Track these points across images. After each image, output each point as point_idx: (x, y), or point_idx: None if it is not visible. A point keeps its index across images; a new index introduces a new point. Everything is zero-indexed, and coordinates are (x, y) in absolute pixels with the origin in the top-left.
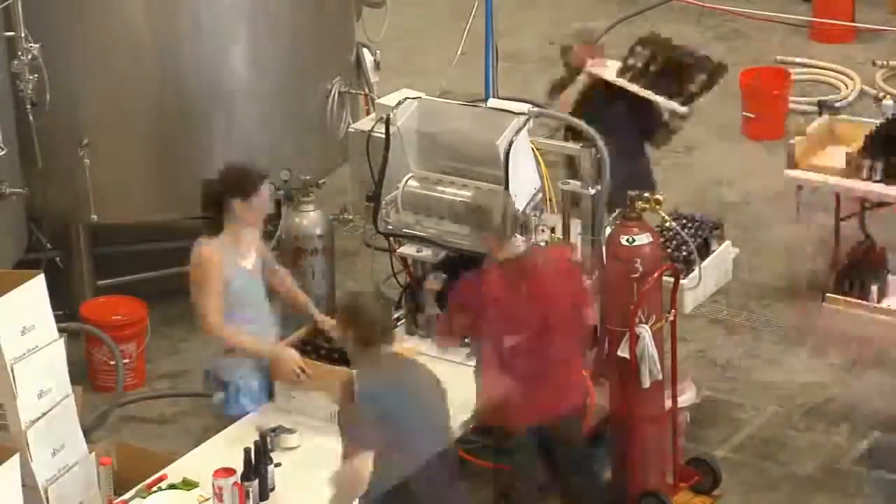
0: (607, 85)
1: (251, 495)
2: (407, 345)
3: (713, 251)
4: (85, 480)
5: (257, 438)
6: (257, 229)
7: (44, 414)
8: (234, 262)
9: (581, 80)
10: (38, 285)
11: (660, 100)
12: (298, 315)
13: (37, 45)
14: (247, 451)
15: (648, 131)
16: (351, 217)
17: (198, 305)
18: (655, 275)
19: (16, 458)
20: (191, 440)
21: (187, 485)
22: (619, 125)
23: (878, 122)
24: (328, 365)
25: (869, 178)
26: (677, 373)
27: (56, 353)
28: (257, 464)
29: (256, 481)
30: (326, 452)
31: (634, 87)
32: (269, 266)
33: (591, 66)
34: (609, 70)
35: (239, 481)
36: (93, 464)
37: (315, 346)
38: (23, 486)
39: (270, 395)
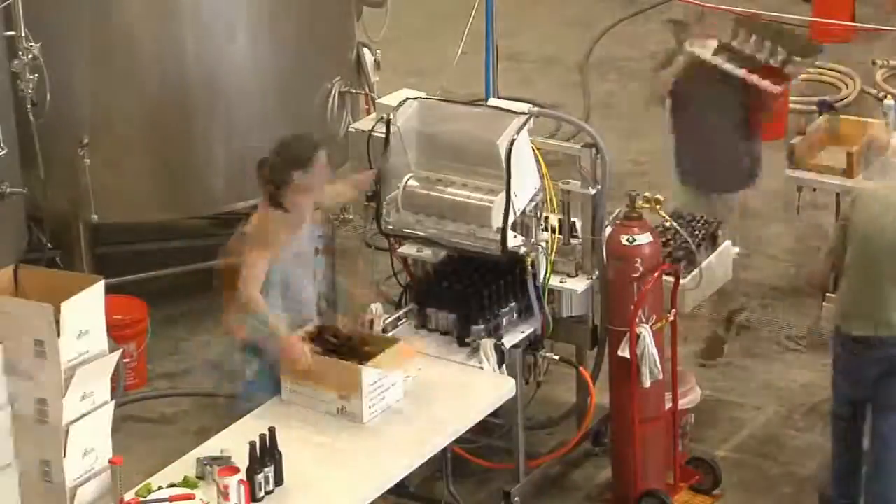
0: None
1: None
2: (414, 343)
3: (713, 251)
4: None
5: (256, 438)
6: (313, 201)
7: (83, 415)
8: (288, 236)
9: (680, 60)
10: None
11: (752, 78)
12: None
13: (37, 45)
14: (252, 444)
15: (756, 109)
16: (351, 217)
17: (242, 272)
18: (656, 275)
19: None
20: (191, 440)
21: (188, 484)
22: (721, 104)
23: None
24: (336, 359)
25: None
26: (679, 373)
27: (107, 362)
28: (262, 458)
29: (271, 467)
30: (332, 449)
31: (728, 66)
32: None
33: (690, 45)
34: (707, 50)
35: (244, 478)
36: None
37: (323, 341)
38: (50, 482)
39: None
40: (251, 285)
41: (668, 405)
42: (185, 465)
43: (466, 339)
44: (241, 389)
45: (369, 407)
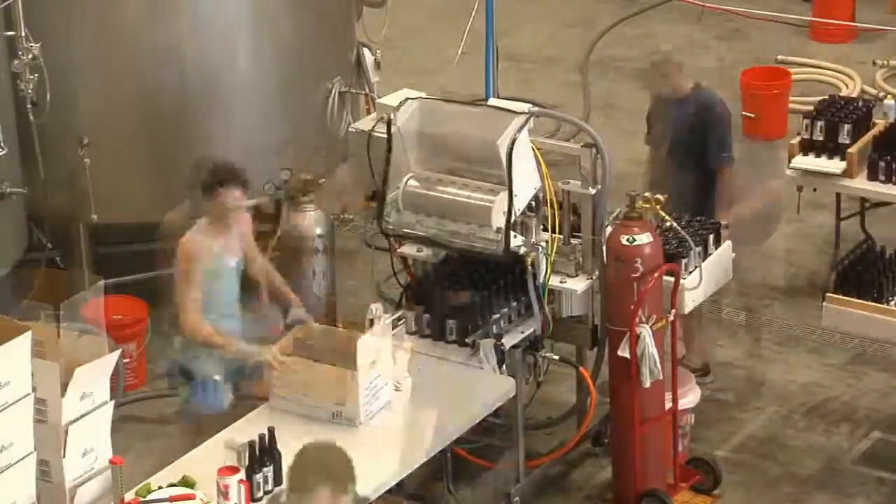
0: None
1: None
2: (406, 344)
3: (713, 251)
4: (109, 485)
5: (256, 437)
6: (244, 225)
7: (83, 415)
8: (218, 257)
9: None
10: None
11: None
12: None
13: (37, 45)
14: (251, 444)
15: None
16: (351, 217)
17: (180, 302)
18: (656, 275)
19: (27, 335)
20: (191, 440)
21: (187, 483)
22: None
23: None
24: (323, 365)
25: (875, 178)
26: (679, 373)
27: (107, 362)
28: (262, 458)
29: (270, 467)
30: None
31: None
32: (251, 260)
33: None
34: None
35: (244, 478)
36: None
37: (307, 347)
38: (49, 482)
39: (236, 390)
40: (191, 313)
41: (668, 405)
42: (185, 465)
43: (466, 339)
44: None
45: (365, 410)
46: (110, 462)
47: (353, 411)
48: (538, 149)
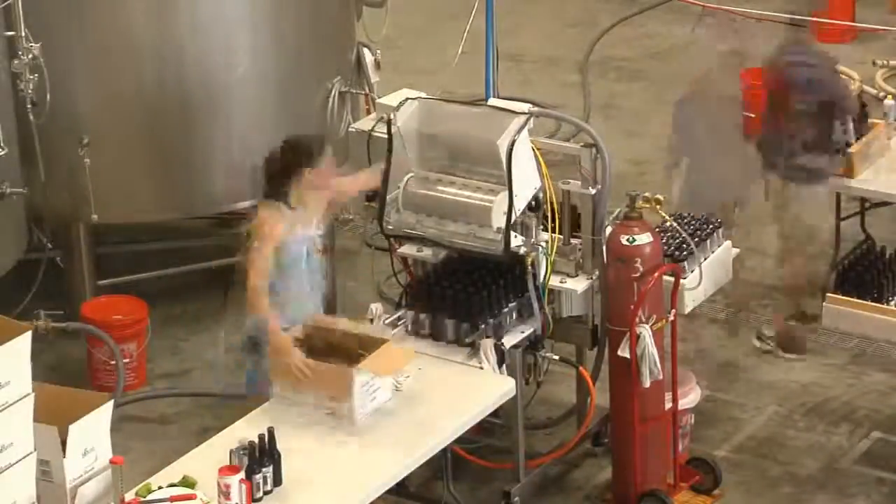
0: None
1: (260, 486)
2: (407, 345)
3: (713, 251)
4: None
5: (256, 437)
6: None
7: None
8: (294, 230)
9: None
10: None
11: None
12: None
13: (37, 45)
14: (251, 444)
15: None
16: (351, 217)
17: (246, 268)
18: (656, 275)
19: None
20: (191, 440)
21: (187, 483)
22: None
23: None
24: (327, 364)
25: None
26: (679, 373)
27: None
28: (261, 458)
29: (270, 468)
30: (331, 450)
31: None
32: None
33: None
34: None
35: (245, 478)
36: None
37: (311, 345)
38: (50, 482)
39: None
40: (254, 277)
41: (668, 405)
42: (185, 465)
43: (466, 340)
44: (245, 380)
45: (361, 409)
46: (110, 462)
47: (350, 410)
48: (538, 149)
